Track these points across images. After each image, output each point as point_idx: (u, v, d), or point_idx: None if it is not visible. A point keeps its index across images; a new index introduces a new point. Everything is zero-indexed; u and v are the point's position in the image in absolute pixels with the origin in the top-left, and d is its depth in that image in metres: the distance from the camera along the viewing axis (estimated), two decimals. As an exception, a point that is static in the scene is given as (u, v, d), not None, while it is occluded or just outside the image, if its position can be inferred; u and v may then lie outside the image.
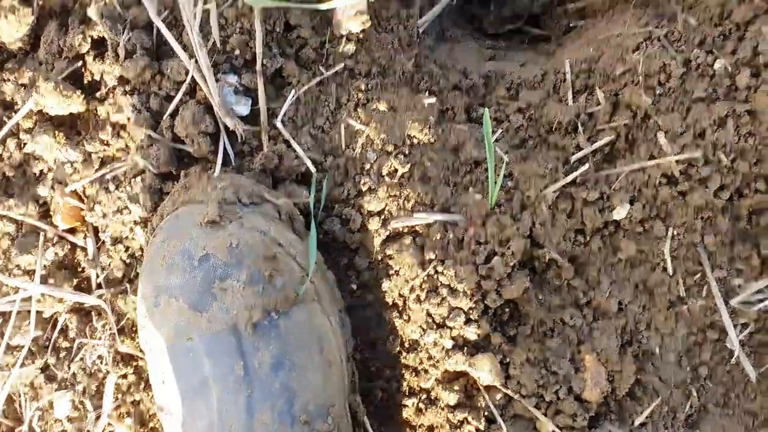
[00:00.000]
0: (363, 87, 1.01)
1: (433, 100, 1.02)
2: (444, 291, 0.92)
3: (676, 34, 0.96)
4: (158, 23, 0.95)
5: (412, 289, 0.94)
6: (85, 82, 1.01)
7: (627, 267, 0.95)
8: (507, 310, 0.94)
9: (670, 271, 0.94)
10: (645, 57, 0.95)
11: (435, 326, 0.93)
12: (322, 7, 0.90)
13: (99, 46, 1.00)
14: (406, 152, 0.97)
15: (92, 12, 0.97)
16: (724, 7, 0.95)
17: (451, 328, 0.92)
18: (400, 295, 0.95)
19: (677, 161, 0.91)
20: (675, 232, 0.93)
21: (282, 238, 0.87)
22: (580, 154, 0.96)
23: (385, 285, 0.95)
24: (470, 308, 0.91)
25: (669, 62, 0.93)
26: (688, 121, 0.92)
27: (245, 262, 0.82)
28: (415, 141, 0.98)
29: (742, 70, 0.91)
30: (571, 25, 1.17)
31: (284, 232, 0.89)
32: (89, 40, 0.98)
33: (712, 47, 0.94)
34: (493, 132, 1.02)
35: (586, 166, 0.94)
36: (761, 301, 0.93)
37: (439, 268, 0.93)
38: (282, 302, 0.82)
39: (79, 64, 0.99)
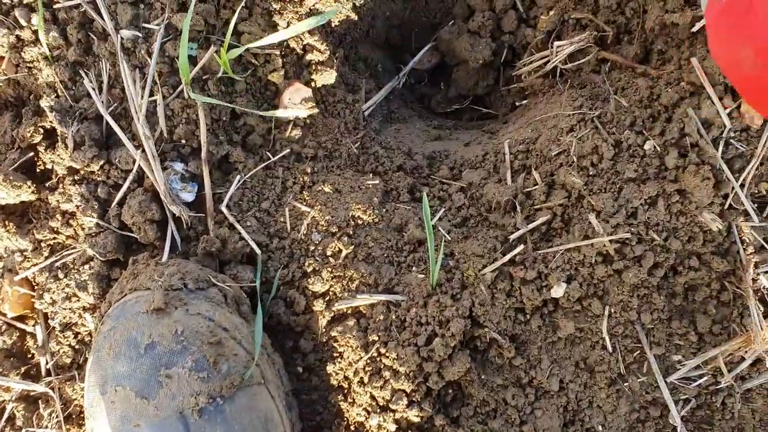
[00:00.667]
0: (309, 170, 1.04)
1: (377, 181, 1.05)
2: (387, 373, 0.93)
3: (609, 116, 1.00)
4: (106, 116, 0.98)
5: (356, 372, 0.95)
6: (38, 171, 1.03)
7: (567, 345, 0.97)
8: (450, 391, 0.95)
9: (610, 348, 0.95)
10: (578, 139, 0.98)
11: (379, 409, 0.94)
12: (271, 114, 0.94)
13: (51, 137, 1.03)
14: (351, 233, 1.00)
15: (44, 104, 1.00)
16: (653, 90, 0.99)
17: (394, 411, 0.93)
18: (345, 378, 0.96)
19: (611, 240, 0.93)
20: (612, 310, 0.95)
21: (227, 323, 0.89)
22: (518, 234, 0.98)
23: (330, 368, 0.96)
24: (413, 390, 0.92)
25: (600, 144, 0.97)
26: (620, 201, 0.94)
27: (190, 348, 0.83)
28: (360, 222, 1.01)
29: (670, 151, 0.94)
30: (516, 103, 1.21)
31: (230, 316, 0.90)
32: (41, 130, 1.01)
33: (641, 129, 0.97)
34: (436, 211, 1.04)
35: (523, 246, 0.96)
36: (701, 377, 0.94)
37: (382, 350, 0.94)
38: (227, 387, 0.83)
39: (32, 154, 1.02)
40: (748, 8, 0.65)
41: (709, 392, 0.96)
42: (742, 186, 0.93)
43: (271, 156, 1.04)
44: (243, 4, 1.00)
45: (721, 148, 0.93)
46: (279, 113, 0.98)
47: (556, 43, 1.10)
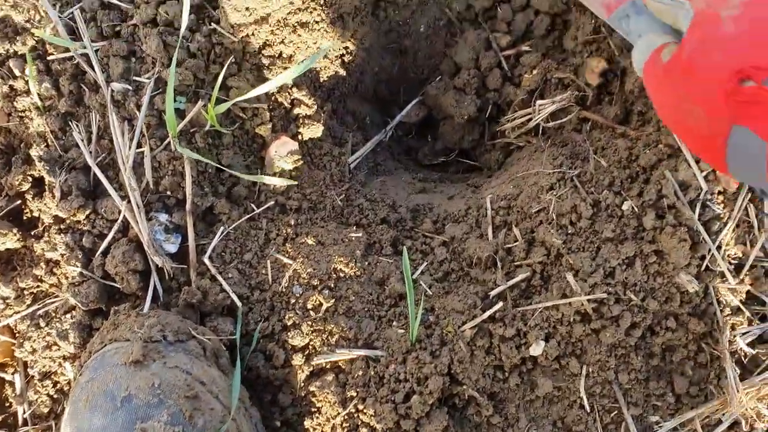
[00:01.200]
0: (293, 222, 1.05)
1: (360, 233, 1.06)
2: (364, 430, 0.93)
3: (588, 175, 1.01)
4: (94, 167, 1.00)
5: (333, 428, 0.95)
6: (24, 219, 1.05)
7: (545, 404, 0.97)
8: (427, 448, 0.94)
9: (588, 408, 0.95)
10: (557, 197, 1.00)
11: (355, 465, 0.93)
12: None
13: (39, 185, 1.04)
14: (332, 286, 1.00)
15: (34, 153, 1.02)
16: (631, 151, 1.00)
17: (370, 468, 0.92)
18: (323, 433, 0.96)
19: (589, 300, 0.94)
20: (590, 370, 0.95)
21: (205, 376, 0.89)
22: (497, 290, 0.99)
23: (308, 423, 0.96)
24: (389, 447, 0.92)
25: (579, 203, 0.98)
26: (597, 260, 0.95)
27: (167, 402, 0.83)
28: (341, 275, 1.01)
29: (648, 212, 0.95)
30: (500, 159, 1.23)
31: (208, 369, 0.90)
32: (30, 179, 1.03)
33: (620, 189, 0.98)
34: (418, 265, 1.05)
35: (502, 303, 0.97)
36: (679, 438, 0.94)
37: (360, 407, 0.94)
38: (203, 442, 0.83)
39: (19, 202, 1.04)
40: (689, 67, 0.66)
41: (687, 453, 0.95)
42: (718, 248, 0.94)
43: (255, 207, 1.05)
44: (232, 59, 1.02)
45: (698, 210, 0.94)
46: (266, 179, 1.01)
47: (539, 102, 1.13)
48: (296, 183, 1.02)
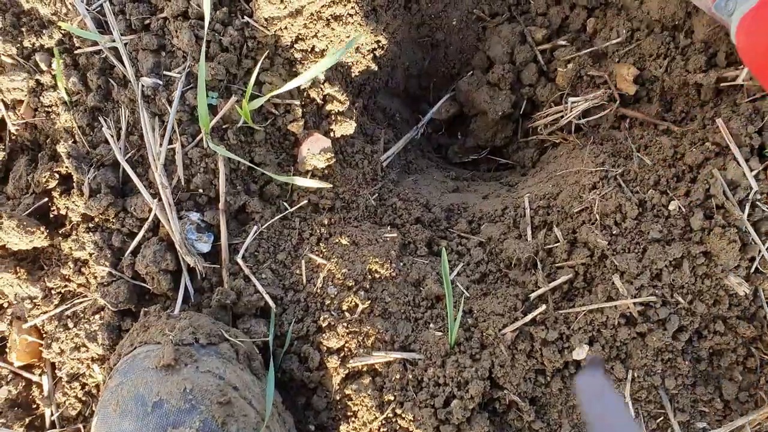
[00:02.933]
0: (326, 222, 1.02)
1: (395, 234, 1.03)
2: (402, 435, 0.90)
3: (632, 174, 0.98)
4: (123, 163, 0.97)
5: (370, 432, 0.92)
6: (51, 217, 1.02)
7: (589, 410, 0.94)
8: (467, 454, 0.92)
9: (633, 414, 0.92)
10: (601, 197, 0.97)
11: (393, 472, 0.91)
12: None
13: (66, 182, 1.02)
14: (367, 287, 0.98)
15: (61, 149, 0.99)
16: (677, 149, 0.97)
17: (409, 475, 0.90)
18: (359, 438, 0.93)
19: (635, 302, 0.91)
20: (635, 374, 0.92)
21: (238, 381, 0.86)
22: (538, 292, 0.96)
23: (344, 427, 0.93)
24: (429, 454, 0.89)
25: (624, 203, 0.95)
26: (644, 262, 0.92)
27: (199, 408, 0.80)
28: (376, 276, 0.99)
29: (695, 212, 0.93)
30: (534, 157, 1.20)
31: (241, 373, 0.88)
32: (57, 176, 1.00)
33: (666, 188, 0.95)
34: (454, 266, 1.02)
35: (544, 306, 0.94)
36: (726, 445, 0.91)
37: (398, 411, 0.91)
38: (235, 450, 0.80)
39: (46, 199, 1.01)
40: None
41: (735, 462, 0.92)
42: (769, 250, 0.91)
43: (288, 207, 1.02)
44: (265, 53, 1.00)
45: (747, 210, 0.91)
46: (299, 181, 0.98)
47: (570, 99, 1.10)
48: (330, 185, 0.98)
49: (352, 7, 1.05)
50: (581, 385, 0.65)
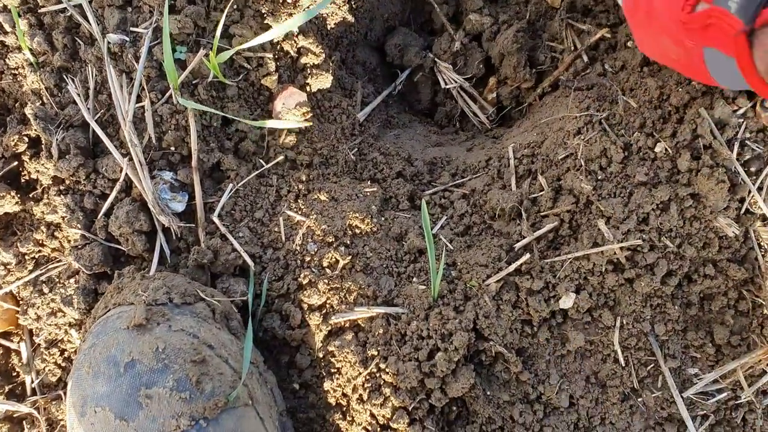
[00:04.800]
0: (304, 178, 1.00)
1: (375, 188, 1.00)
2: (387, 390, 0.88)
3: (617, 117, 0.95)
4: (92, 123, 0.94)
5: (354, 389, 0.90)
6: (22, 181, 1.00)
7: (577, 359, 0.92)
8: (454, 408, 0.90)
9: (622, 362, 0.90)
10: (585, 142, 0.94)
11: (379, 428, 0.89)
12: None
13: (36, 146, 0.99)
14: (348, 243, 0.95)
15: (28, 111, 0.96)
16: (662, 90, 0.94)
17: (395, 430, 0.88)
18: (344, 395, 0.91)
19: (622, 248, 0.88)
20: (624, 321, 0.90)
21: (213, 340, 0.84)
22: (523, 242, 0.93)
23: (328, 384, 0.91)
24: (414, 408, 0.87)
25: (609, 147, 0.92)
26: (630, 206, 0.89)
27: (172, 367, 0.78)
28: (357, 231, 0.96)
29: (682, 153, 0.89)
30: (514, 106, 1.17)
31: (217, 332, 0.86)
32: (26, 139, 0.98)
33: (652, 130, 0.92)
34: (437, 219, 1.00)
35: (529, 255, 0.91)
36: (719, 391, 0.89)
37: (382, 366, 0.89)
38: (211, 409, 0.78)
39: (16, 163, 0.98)
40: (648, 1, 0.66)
41: (728, 407, 0.90)
42: (759, 189, 0.88)
43: (264, 163, 1.00)
44: (234, 6, 0.96)
45: (736, 149, 0.88)
46: (271, 123, 0.94)
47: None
48: (309, 123, 0.95)
49: (324, -45, 1.02)
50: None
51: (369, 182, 1.02)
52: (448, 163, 1.07)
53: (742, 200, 0.88)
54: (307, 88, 1.03)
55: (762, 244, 0.88)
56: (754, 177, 0.88)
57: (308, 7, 1.02)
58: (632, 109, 0.95)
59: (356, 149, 1.05)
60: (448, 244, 0.96)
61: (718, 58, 0.62)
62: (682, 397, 0.89)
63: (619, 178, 0.91)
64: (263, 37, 0.93)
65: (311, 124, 0.94)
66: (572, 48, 1.09)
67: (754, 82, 0.58)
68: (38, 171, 0.96)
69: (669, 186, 0.89)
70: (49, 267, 0.96)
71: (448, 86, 1.17)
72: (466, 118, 1.20)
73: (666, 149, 0.90)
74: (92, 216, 0.95)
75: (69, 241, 0.95)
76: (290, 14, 1.00)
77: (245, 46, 0.94)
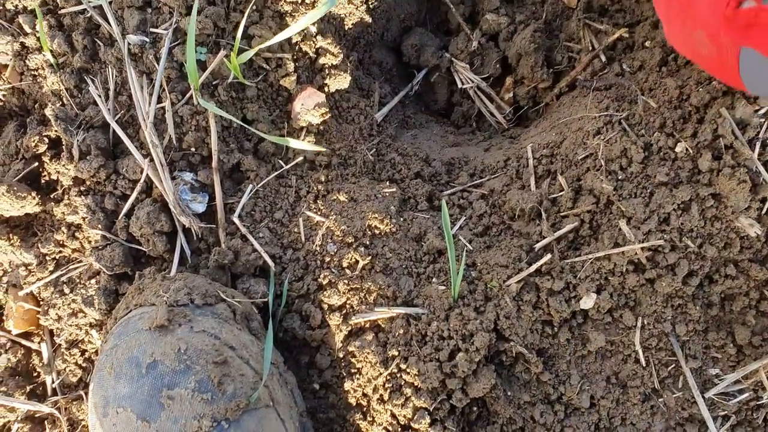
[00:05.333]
0: (323, 178, 1.00)
1: (394, 189, 1.00)
2: (408, 390, 0.88)
3: (637, 118, 0.95)
4: (113, 123, 0.95)
5: (375, 389, 0.90)
6: (42, 182, 1.00)
7: (598, 359, 0.92)
8: (474, 408, 0.90)
9: (643, 362, 0.90)
10: (605, 142, 0.94)
11: (400, 428, 0.89)
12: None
13: (56, 146, 0.99)
14: (367, 243, 0.95)
15: (49, 112, 0.97)
16: (682, 90, 0.94)
17: (416, 430, 0.88)
18: (364, 395, 0.91)
19: (643, 248, 0.88)
20: (645, 322, 0.90)
21: (235, 341, 0.84)
22: (543, 242, 0.93)
23: (348, 384, 0.91)
24: (435, 408, 0.87)
25: (629, 147, 0.92)
26: (651, 206, 0.89)
27: (194, 368, 0.79)
28: (376, 232, 0.96)
29: (703, 153, 0.89)
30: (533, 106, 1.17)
31: (238, 333, 0.86)
32: (46, 140, 0.98)
33: (672, 130, 0.92)
34: (456, 220, 1.00)
35: (549, 255, 0.91)
36: (741, 392, 0.89)
37: (402, 366, 0.89)
38: (232, 410, 0.79)
39: (36, 164, 0.99)
40: None
41: (749, 408, 0.90)
42: (781, 189, 0.88)
43: (283, 164, 1.00)
44: (253, 6, 0.96)
45: (757, 149, 0.88)
46: (292, 143, 0.95)
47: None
48: (324, 149, 0.95)
49: (342, -44, 1.02)
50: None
51: (388, 183, 1.02)
52: (465, 163, 1.07)
53: (763, 200, 0.88)
54: (326, 89, 1.04)
55: (784, 244, 0.88)
56: (776, 177, 0.88)
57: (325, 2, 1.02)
58: (652, 109, 0.95)
59: (374, 150, 1.05)
60: (468, 245, 0.96)
61: (756, 60, 0.60)
62: (703, 397, 0.89)
63: (640, 178, 0.91)
64: (282, 35, 0.93)
65: (327, 142, 0.94)
66: (590, 48, 1.08)
67: None
68: (59, 172, 0.97)
69: (690, 186, 0.89)
70: (70, 268, 0.96)
71: (464, 86, 1.17)
72: (482, 118, 1.20)
73: (687, 149, 0.90)
74: (113, 217, 0.96)
75: (90, 242, 0.95)
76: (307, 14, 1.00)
77: (265, 45, 0.94)
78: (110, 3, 0.98)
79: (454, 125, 1.22)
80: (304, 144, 0.97)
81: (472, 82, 1.15)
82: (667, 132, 0.92)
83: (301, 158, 1.01)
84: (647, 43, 1.03)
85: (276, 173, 0.99)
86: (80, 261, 0.96)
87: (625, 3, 1.09)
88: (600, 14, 1.12)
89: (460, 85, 1.17)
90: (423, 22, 1.21)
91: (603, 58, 1.07)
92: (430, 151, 1.10)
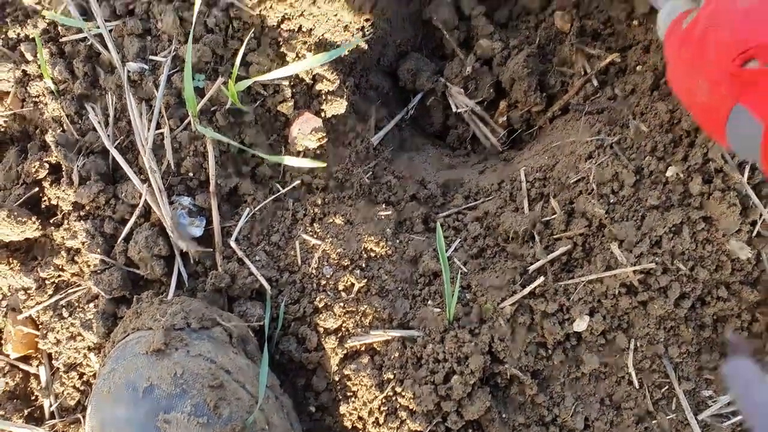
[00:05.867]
0: (319, 201, 1.01)
1: (390, 211, 1.02)
2: (403, 413, 0.89)
3: (628, 141, 0.97)
4: (112, 149, 0.96)
5: (371, 412, 0.91)
6: (43, 207, 1.01)
7: (591, 381, 0.92)
8: (470, 430, 0.91)
9: (636, 384, 0.91)
10: (597, 166, 0.95)
11: (395, 451, 0.90)
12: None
13: (56, 172, 1.01)
14: (363, 266, 0.96)
15: (50, 138, 0.98)
16: (673, 114, 0.95)
17: (411, 453, 0.88)
18: (360, 418, 0.92)
19: (635, 271, 0.89)
20: (638, 344, 0.91)
21: (231, 365, 0.85)
22: (537, 265, 0.94)
23: (344, 407, 0.92)
24: (431, 431, 0.88)
25: (621, 171, 0.93)
26: (643, 229, 0.91)
27: (190, 392, 0.79)
28: (372, 254, 0.97)
29: (694, 177, 0.91)
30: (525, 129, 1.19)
31: (234, 357, 0.87)
32: (47, 166, 0.99)
33: (663, 154, 0.94)
34: (451, 242, 1.01)
35: (543, 278, 0.92)
36: (734, 414, 0.90)
37: (398, 389, 0.90)
38: (229, 433, 0.79)
39: (36, 189, 1.00)
40: (701, 40, 0.65)
41: (743, 430, 0.91)
42: (771, 212, 0.89)
43: (280, 188, 1.01)
44: (251, 34, 0.98)
45: (747, 173, 0.89)
46: (290, 161, 0.96)
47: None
48: (324, 164, 0.97)
49: (338, -16, 1.04)
50: (731, 374, 0.65)
51: (384, 205, 1.03)
52: (461, 185, 1.09)
53: (753, 223, 0.89)
54: (322, 114, 1.05)
55: (774, 266, 0.89)
56: (766, 200, 0.89)
57: (323, 35, 1.04)
58: (643, 133, 0.96)
59: (371, 172, 1.07)
60: (463, 267, 0.97)
61: (744, 119, 0.61)
62: (696, 419, 0.90)
63: (632, 202, 0.92)
64: (282, 71, 0.95)
65: (324, 164, 0.95)
66: (582, 72, 1.10)
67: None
68: (58, 197, 0.98)
69: (681, 209, 0.90)
70: (69, 291, 0.97)
71: (459, 110, 1.18)
72: (477, 140, 1.22)
73: (677, 173, 0.92)
74: (112, 241, 0.97)
75: (89, 266, 0.96)
76: (305, 42, 1.02)
77: (264, 78, 0.95)
78: (110, 31, 1.00)
79: (450, 148, 1.23)
80: (301, 161, 0.98)
81: (466, 106, 1.17)
82: (659, 156, 0.94)
83: (298, 182, 1.02)
84: (639, 68, 1.05)
85: (273, 196, 1.00)
86: (79, 285, 0.97)
87: (617, 27, 1.11)
88: (593, 38, 1.13)
89: (454, 109, 1.18)
90: (419, 47, 1.23)
91: (595, 83, 1.08)
92: (426, 173, 1.11)
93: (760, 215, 0.89)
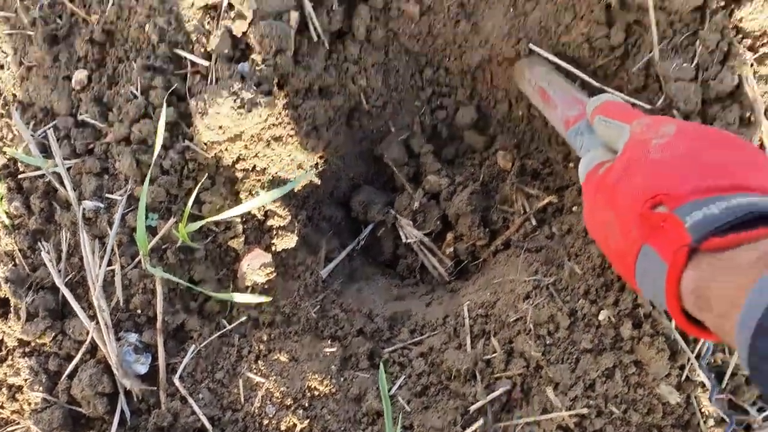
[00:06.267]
0: (265, 337, 1.03)
1: (335, 348, 1.03)
2: None
3: (563, 283, 1.01)
4: (62, 287, 0.98)
5: None
6: (-12, 342, 1.01)
7: None
8: None
9: None
10: (534, 307, 0.99)
11: None
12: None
13: (5, 305, 1.02)
14: (306, 405, 0.97)
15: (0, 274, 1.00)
16: (604, 258, 1.01)
17: None
18: None
19: (570, 414, 0.91)
20: (575, 488, 0.92)
21: None
22: (477, 405, 0.96)
23: None
24: None
25: (556, 313, 0.97)
26: (577, 372, 0.93)
27: None
28: (316, 393, 0.99)
29: (624, 321, 0.95)
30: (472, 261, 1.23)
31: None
32: (-5, 300, 1.01)
33: (596, 297, 0.98)
34: (396, 378, 1.02)
35: (483, 419, 0.94)
36: None
37: None
38: None
39: (-17, 323, 1.00)
40: (614, 186, 0.70)
41: None
42: (698, 357, 0.93)
43: (227, 324, 1.03)
44: (205, 175, 1.03)
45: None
46: (237, 298, 1.00)
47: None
48: (270, 299, 0.99)
49: (292, 128, 1.09)
50: None
51: (329, 341, 1.05)
52: (408, 318, 1.12)
53: (682, 367, 0.93)
54: (273, 248, 1.09)
55: (703, 410, 0.92)
56: (692, 345, 0.93)
57: (276, 173, 1.09)
58: (577, 276, 1.01)
59: (318, 306, 1.09)
60: (406, 406, 0.99)
61: (651, 259, 0.63)
62: None
63: (566, 344, 0.96)
64: (235, 211, 0.99)
65: (272, 299, 0.98)
66: (522, 211, 1.16)
67: (671, 295, 0.61)
68: (4, 332, 0.99)
69: (613, 353, 0.94)
70: (7, 430, 0.96)
71: (408, 240, 1.23)
72: (426, 270, 1.26)
73: (609, 317, 0.96)
74: (55, 378, 0.97)
75: (29, 404, 0.96)
76: (259, 180, 1.07)
77: (216, 218, 0.99)
78: (69, 169, 1.03)
79: (400, 276, 1.27)
80: (248, 297, 1.01)
81: (415, 237, 1.22)
82: (591, 299, 0.98)
83: (245, 317, 1.04)
84: (575, 208, 1.11)
85: (219, 333, 1.02)
86: (18, 423, 0.96)
87: (555, 168, 1.18)
88: (533, 177, 1.20)
89: (404, 240, 1.23)
90: (371, 181, 1.29)
91: (534, 222, 1.14)
92: (374, 305, 1.14)
93: (688, 359, 0.92)
